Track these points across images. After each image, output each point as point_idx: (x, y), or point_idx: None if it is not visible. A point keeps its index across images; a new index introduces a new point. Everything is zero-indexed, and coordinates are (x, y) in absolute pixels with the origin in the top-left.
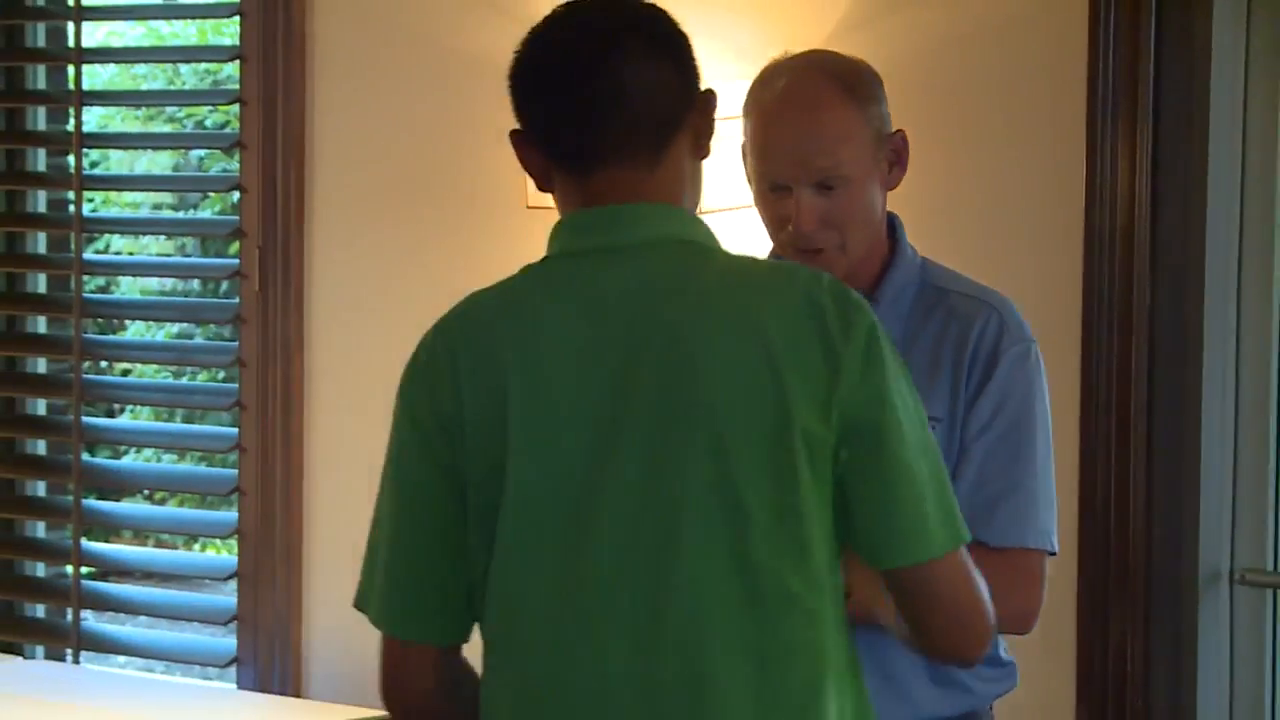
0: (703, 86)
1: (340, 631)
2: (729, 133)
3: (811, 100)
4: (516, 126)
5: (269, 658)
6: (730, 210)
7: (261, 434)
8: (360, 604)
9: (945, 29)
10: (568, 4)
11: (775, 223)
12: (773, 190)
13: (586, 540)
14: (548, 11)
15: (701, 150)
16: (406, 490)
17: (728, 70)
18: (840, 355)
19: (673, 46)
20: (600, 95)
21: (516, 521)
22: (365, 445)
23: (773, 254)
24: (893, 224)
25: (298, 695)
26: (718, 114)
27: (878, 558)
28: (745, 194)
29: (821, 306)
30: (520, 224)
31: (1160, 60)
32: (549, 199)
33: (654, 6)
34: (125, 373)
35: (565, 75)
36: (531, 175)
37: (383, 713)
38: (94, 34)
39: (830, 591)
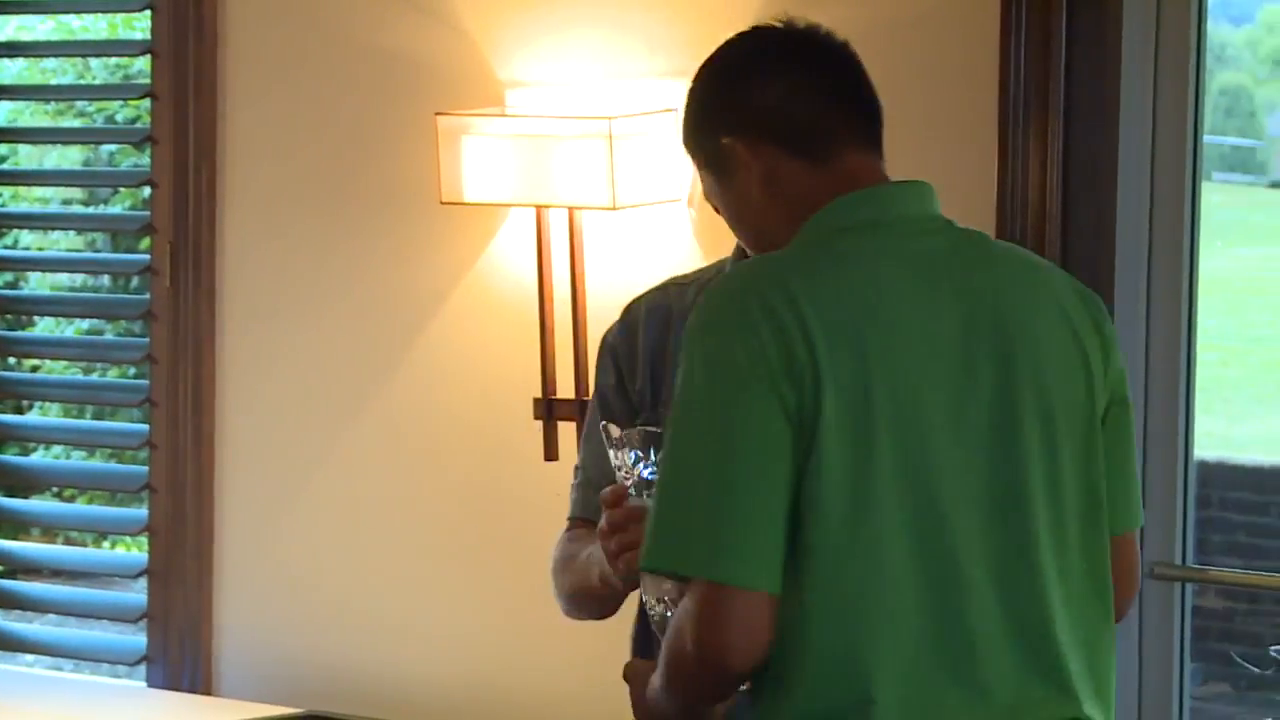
0: None
1: (251, 629)
2: (644, 128)
3: None
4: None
5: (179, 655)
6: (643, 206)
7: (172, 430)
8: (662, 563)
9: (857, 27)
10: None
11: None
12: None
13: (942, 493)
14: (462, 6)
15: None
16: (746, 435)
17: (640, 66)
18: (1107, 336)
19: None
20: (841, 74)
21: (879, 474)
22: (277, 441)
23: (738, 251)
24: None
25: (208, 693)
26: (639, 110)
27: (1112, 526)
28: (662, 191)
29: (1081, 290)
30: (434, 220)
31: (1071, 58)
32: (462, 194)
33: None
34: (34, 369)
35: (806, 57)
36: (755, 178)
37: (293, 710)
38: (2, 28)
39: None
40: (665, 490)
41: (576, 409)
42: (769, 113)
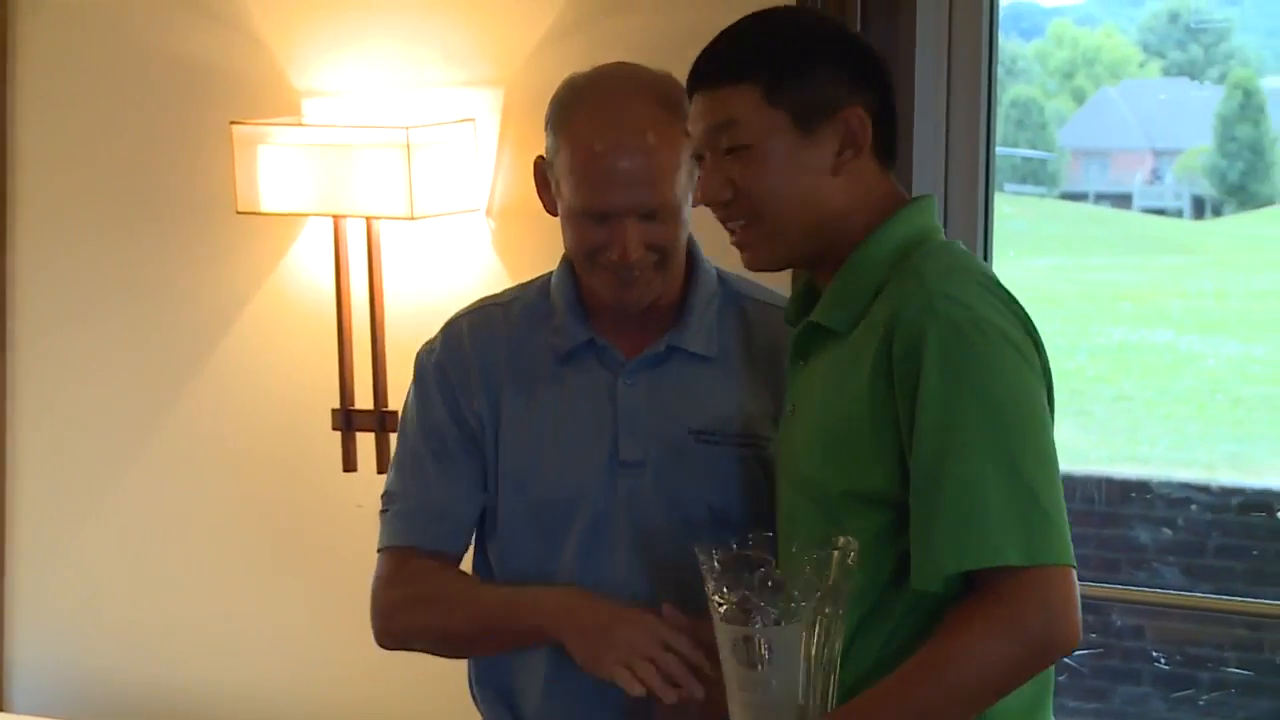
0: None
1: (45, 643)
2: (442, 138)
3: (641, 130)
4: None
5: None
6: (441, 216)
7: None
8: (1001, 556)
9: (656, 36)
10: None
11: (588, 248)
12: (591, 218)
13: None
14: (258, 14)
15: None
16: (1046, 417)
17: (437, 76)
18: None
19: None
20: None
21: None
22: (71, 453)
23: (564, 265)
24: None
25: (0, 708)
26: (436, 120)
27: None
28: (460, 201)
29: None
30: (231, 229)
31: None
32: (259, 204)
33: None
34: None
35: (886, 74)
36: (854, 157)
37: None
38: None
39: None
40: (982, 479)
41: (375, 420)
42: (886, 109)
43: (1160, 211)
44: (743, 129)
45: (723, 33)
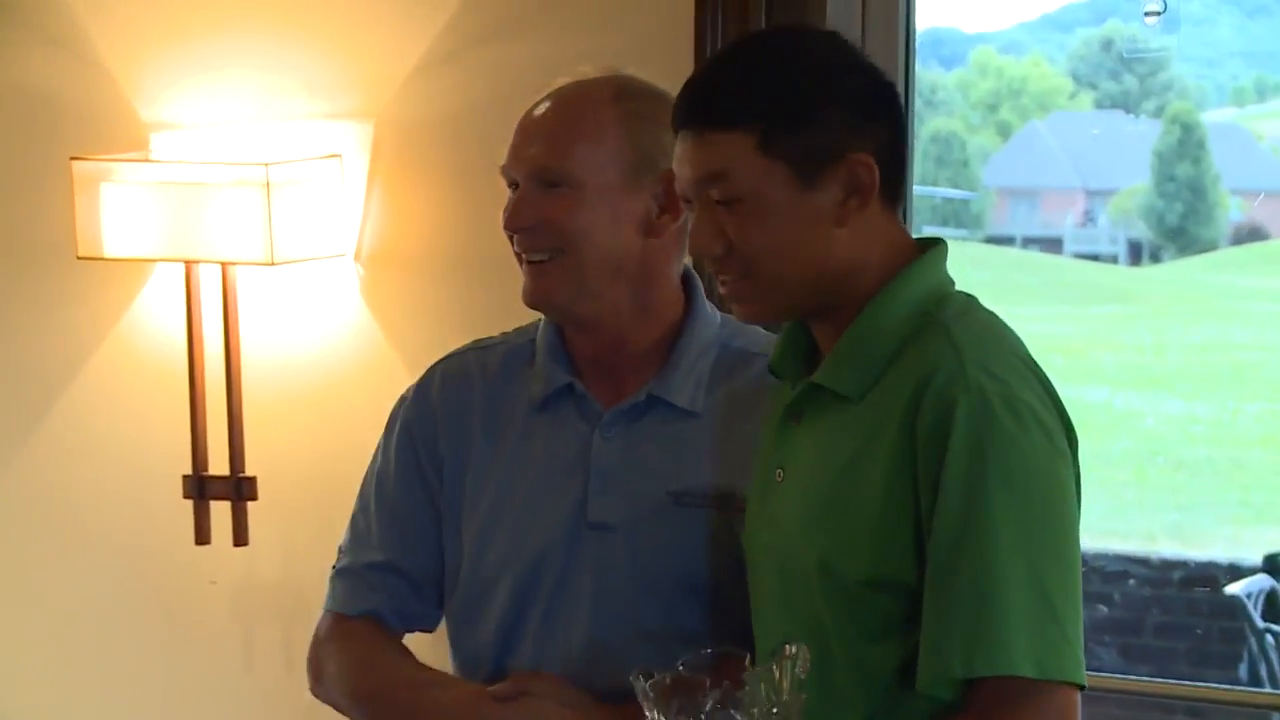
0: None
1: None
2: (305, 176)
3: (569, 95)
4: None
5: None
6: (304, 261)
7: None
8: (1058, 672)
9: (534, 64)
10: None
11: (503, 225)
12: (508, 186)
13: None
14: (101, 40)
15: None
16: (1076, 524)
17: (299, 108)
18: None
19: None
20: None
21: None
22: None
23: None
24: (689, 279)
25: None
26: (298, 156)
27: None
28: (324, 245)
29: None
30: (71, 276)
31: None
32: (102, 248)
33: None
34: None
35: (897, 105)
36: (859, 203)
37: None
38: None
39: None
40: (1000, 580)
41: (231, 487)
42: (892, 149)
43: (1094, 257)
44: (735, 181)
45: (712, 65)
